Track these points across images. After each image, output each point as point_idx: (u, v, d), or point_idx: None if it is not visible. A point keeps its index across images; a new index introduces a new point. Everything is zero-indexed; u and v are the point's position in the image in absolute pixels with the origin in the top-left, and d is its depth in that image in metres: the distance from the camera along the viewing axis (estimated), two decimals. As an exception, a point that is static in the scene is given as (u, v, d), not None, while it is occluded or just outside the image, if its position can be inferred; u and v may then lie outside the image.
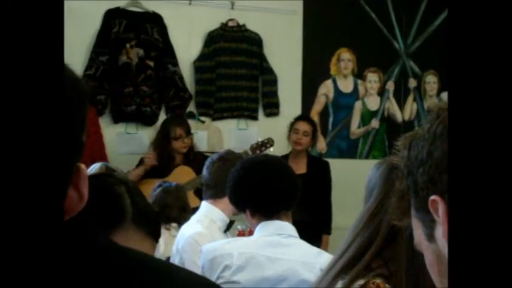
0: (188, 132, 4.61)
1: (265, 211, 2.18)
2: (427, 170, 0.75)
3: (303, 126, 4.74)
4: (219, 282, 2.09)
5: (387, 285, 1.37)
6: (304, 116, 5.00)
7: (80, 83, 0.75)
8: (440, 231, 0.74)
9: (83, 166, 0.76)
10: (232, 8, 5.18)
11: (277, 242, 2.14)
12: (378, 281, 1.37)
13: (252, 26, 5.23)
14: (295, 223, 2.24)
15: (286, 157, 4.59)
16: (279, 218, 2.18)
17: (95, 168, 1.94)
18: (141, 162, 4.60)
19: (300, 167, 4.51)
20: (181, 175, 4.32)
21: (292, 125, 4.79)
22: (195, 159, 4.49)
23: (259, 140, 4.70)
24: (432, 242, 0.79)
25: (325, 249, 4.42)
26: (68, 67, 0.74)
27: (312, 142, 4.83)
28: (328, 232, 4.72)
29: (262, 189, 2.18)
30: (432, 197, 0.74)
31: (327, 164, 4.85)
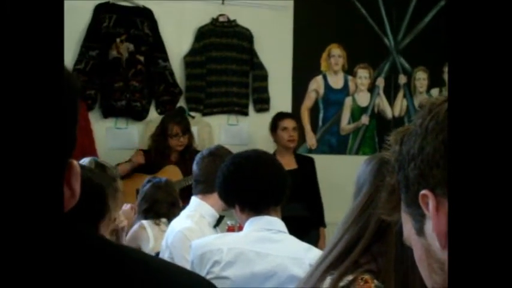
0: (185, 131, 4.61)
1: (255, 206, 2.19)
2: (418, 165, 0.75)
3: (291, 123, 4.77)
4: (208, 277, 2.09)
5: (376, 281, 1.38)
6: (287, 113, 5.00)
7: (71, 79, 0.74)
8: (430, 226, 0.75)
9: (75, 162, 0.75)
10: (223, 3, 5.17)
11: (266, 238, 2.14)
12: (367, 276, 1.38)
13: (242, 22, 5.23)
14: (292, 219, 2.25)
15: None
16: (268, 214, 2.18)
17: (84, 162, 1.94)
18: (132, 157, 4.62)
19: (289, 163, 4.52)
20: (169, 174, 4.32)
21: (276, 122, 4.78)
22: (190, 157, 4.49)
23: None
24: (421, 236, 0.80)
25: (323, 242, 4.49)
26: None
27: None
28: (324, 225, 4.76)
29: (251, 185, 2.18)
30: (423, 192, 0.74)
31: (313, 160, 4.89)
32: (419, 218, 0.78)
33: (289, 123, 4.76)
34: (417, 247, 0.82)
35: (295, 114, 5.09)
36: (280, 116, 4.85)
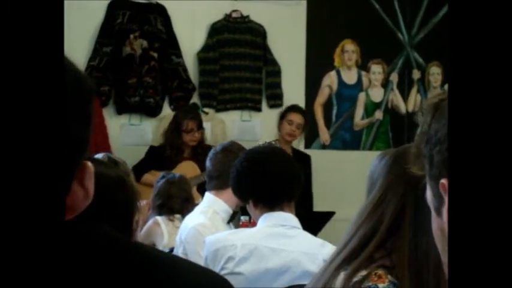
0: (200, 127, 4.62)
1: (268, 202, 2.19)
2: (443, 152, 0.74)
3: (298, 119, 4.78)
4: (222, 273, 2.09)
5: (390, 276, 1.37)
6: (298, 108, 5.02)
7: (85, 79, 0.74)
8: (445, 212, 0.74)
9: (89, 163, 0.75)
10: (235, -1, 5.17)
11: (280, 233, 2.14)
12: (381, 272, 1.37)
13: (255, 17, 5.22)
14: (300, 214, 2.25)
15: None
16: (281, 209, 2.19)
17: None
18: (146, 154, 4.62)
19: None
20: (186, 170, 4.32)
21: (285, 114, 4.81)
22: (203, 152, 4.49)
23: (267, 141, 4.72)
24: (439, 216, 0.79)
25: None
26: (73, 63, 0.73)
27: (301, 135, 4.90)
28: None
29: (265, 180, 2.19)
30: (442, 181, 0.73)
31: (309, 158, 4.90)
32: (438, 198, 0.77)
33: (295, 118, 4.79)
34: (434, 224, 0.81)
35: (306, 111, 5.10)
36: (290, 108, 4.90)
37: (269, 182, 2.19)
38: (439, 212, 0.79)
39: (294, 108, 4.91)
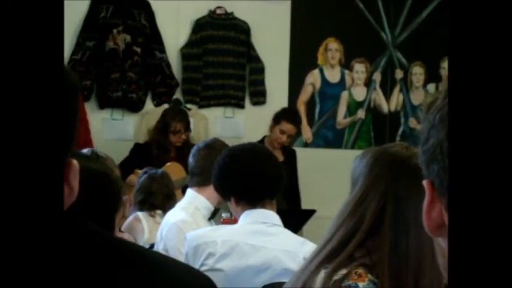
0: (187, 128, 4.61)
1: (250, 199, 2.19)
2: (424, 152, 0.74)
3: (291, 130, 4.71)
4: (202, 269, 2.09)
5: (370, 275, 1.38)
6: (293, 117, 4.86)
7: (69, 75, 0.74)
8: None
9: (74, 161, 0.75)
10: (220, -4, 5.17)
11: (261, 231, 2.15)
12: (361, 270, 1.38)
13: (240, 14, 5.22)
14: (281, 212, 2.25)
15: (261, 143, 4.61)
16: (263, 207, 2.19)
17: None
18: (131, 152, 4.59)
19: (277, 155, 4.52)
20: (172, 171, 4.31)
21: (279, 119, 4.72)
22: (188, 153, 4.47)
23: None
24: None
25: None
26: None
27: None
28: None
29: (246, 177, 2.19)
30: (424, 181, 0.74)
31: (295, 152, 4.91)
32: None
33: (289, 129, 4.70)
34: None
35: (299, 120, 5.00)
36: (285, 116, 4.75)
37: (251, 179, 2.19)
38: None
39: (289, 117, 4.78)
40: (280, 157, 4.64)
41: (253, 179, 2.19)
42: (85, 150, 1.65)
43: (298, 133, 5.14)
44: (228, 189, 2.24)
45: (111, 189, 1.55)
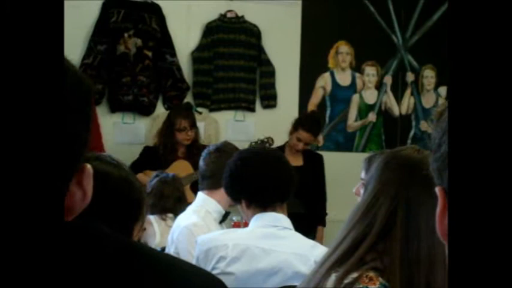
0: (193, 125, 4.61)
1: (261, 202, 2.19)
2: (436, 159, 0.74)
3: (307, 138, 4.61)
4: (213, 273, 2.09)
5: (381, 279, 1.37)
6: (310, 126, 4.68)
7: (84, 80, 0.74)
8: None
9: (88, 165, 0.75)
10: (231, -1, 5.17)
11: (272, 234, 2.14)
12: (372, 274, 1.38)
13: (250, 18, 5.22)
14: (290, 215, 2.25)
15: (282, 149, 4.57)
16: (274, 210, 2.19)
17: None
18: (140, 155, 4.61)
19: (296, 160, 4.50)
20: (180, 169, 4.32)
21: (298, 126, 4.64)
22: (197, 152, 4.47)
23: (259, 138, 4.70)
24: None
25: (320, 241, 4.43)
26: (71, 64, 0.73)
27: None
28: (324, 224, 4.73)
29: (258, 181, 2.19)
30: (437, 187, 0.74)
31: (321, 158, 4.85)
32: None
33: (306, 137, 4.58)
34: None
35: (318, 129, 4.81)
36: (303, 126, 4.61)
37: (262, 183, 2.19)
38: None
39: (306, 125, 4.63)
40: (300, 161, 4.62)
41: (265, 183, 2.19)
42: (106, 155, 1.64)
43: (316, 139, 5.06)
44: (239, 192, 2.24)
45: (132, 197, 1.52)
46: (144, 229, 1.66)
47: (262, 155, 2.28)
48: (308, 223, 4.39)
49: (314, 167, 4.73)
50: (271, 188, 2.19)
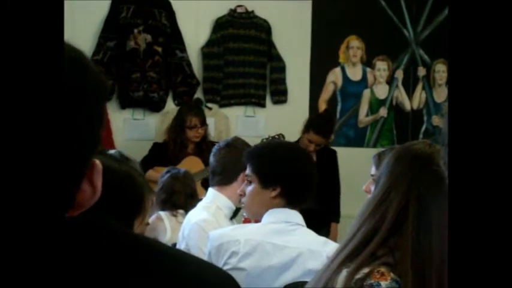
0: (203, 123, 4.61)
1: (296, 197, 2.17)
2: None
3: (318, 140, 4.55)
4: (225, 268, 2.09)
5: (392, 274, 1.37)
6: (321, 128, 4.60)
7: (99, 77, 0.74)
8: None
9: (97, 161, 0.76)
10: (241, -6, 5.17)
11: (284, 230, 2.14)
12: (383, 269, 1.37)
13: (260, 13, 5.21)
14: (304, 211, 2.24)
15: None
16: (295, 208, 2.18)
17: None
18: (150, 151, 4.61)
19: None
20: (191, 165, 4.32)
21: (309, 128, 4.57)
22: (207, 149, 4.47)
23: (270, 135, 4.69)
24: None
25: (334, 237, 4.42)
26: (92, 63, 0.73)
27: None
28: (337, 220, 4.72)
29: (305, 175, 2.19)
30: None
31: (335, 153, 4.82)
32: None
33: (315, 140, 4.53)
34: None
35: (329, 130, 4.71)
36: (314, 128, 4.56)
37: (307, 178, 2.20)
38: None
39: (318, 127, 4.56)
40: (313, 157, 4.59)
41: (309, 181, 2.20)
42: (113, 151, 1.65)
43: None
44: (280, 178, 2.19)
45: (133, 192, 1.53)
46: (147, 224, 1.67)
47: (310, 156, 2.37)
48: (321, 219, 4.36)
49: (327, 162, 4.69)
50: (310, 188, 2.21)
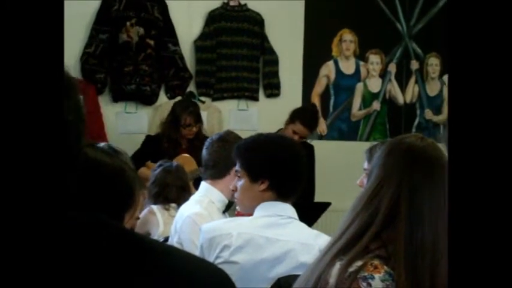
0: (198, 121, 4.58)
1: (284, 189, 2.17)
2: None
3: (303, 132, 4.55)
4: (217, 261, 2.09)
5: (385, 267, 1.37)
6: (308, 120, 4.58)
7: (68, 72, 0.74)
8: None
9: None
10: (233, -13, 5.15)
11: (276, 223, 2.13)
12: (376, 262, 1.37)
13: (253, 6, 5.20)
14: (296, 205, 2.24)
15: None
16: (285, 201, 2.18)
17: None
18: (142, 145, 4.59)
19: None
20: (183, 164, 4.30)
21: (294, 119, 4.56)
22: (200, 144, 4.44)
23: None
24: None
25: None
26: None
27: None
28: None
29: (295, 168, 2.18)
30: None
31: (312, 148, 4.82)
32: None
33: (301, 131, 4.49)
34: None
35: (315, 123, 4.71)
36: (301, 119, 4.52)
37: (298, 172, 2.20)
38: None
39: (304, 119, 4.53)
40: None
41: (299, 172, 2.19)
42: (102, 144, 1.64)
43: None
44: (265, 171, 2.18)
45: (123, 185, 1.52)
46: (137, 218, 1.66)
47: (300, 149, 2.31)
48: (314, 213, 4.37)
49: (307, 156, 4.66)
50: (300, 181, 2.20)
